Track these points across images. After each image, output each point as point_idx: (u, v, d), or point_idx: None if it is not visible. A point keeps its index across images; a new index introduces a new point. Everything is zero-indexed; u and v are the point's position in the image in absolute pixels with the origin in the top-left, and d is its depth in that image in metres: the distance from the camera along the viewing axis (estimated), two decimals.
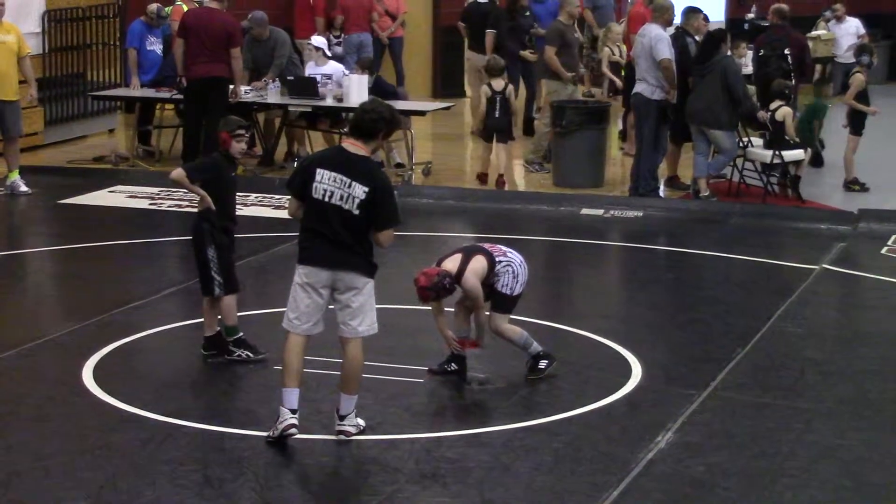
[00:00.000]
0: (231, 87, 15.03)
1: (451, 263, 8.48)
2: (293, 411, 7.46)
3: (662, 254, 12.82)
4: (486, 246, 8.67)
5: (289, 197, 7.71)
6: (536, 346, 8.66)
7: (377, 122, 7.46)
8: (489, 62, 15.18)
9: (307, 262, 7.47)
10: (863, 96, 14.80)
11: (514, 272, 8.53)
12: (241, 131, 8.85)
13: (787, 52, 15.84)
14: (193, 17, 15.15)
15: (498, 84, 14.72)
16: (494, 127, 14.76)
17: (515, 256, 8.62)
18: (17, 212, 14.21)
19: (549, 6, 19.33)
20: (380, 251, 7.56)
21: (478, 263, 8.45)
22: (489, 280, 8.49)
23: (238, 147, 8.85)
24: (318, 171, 7.39)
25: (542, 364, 8.64)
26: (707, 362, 9.08)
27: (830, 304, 11.07)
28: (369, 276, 7.51)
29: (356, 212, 7.35)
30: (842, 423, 8.03)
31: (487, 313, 8.64)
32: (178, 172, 8.81)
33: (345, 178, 7.35)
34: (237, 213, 9.22)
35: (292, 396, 7.48)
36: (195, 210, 8.95)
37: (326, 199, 7.36)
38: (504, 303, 8.57)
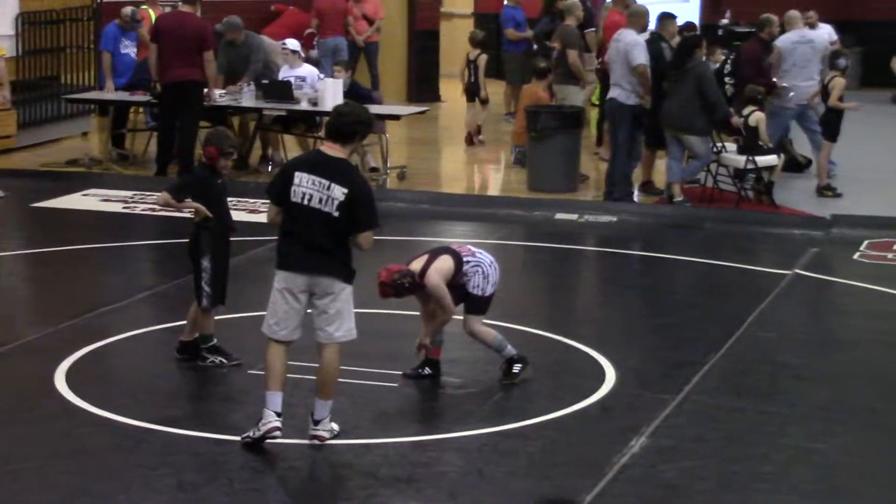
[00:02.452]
0: (205, 90, 15.01)
1: (417, 264, 8.49)
2: (278, 414, 7.44)
3: (636, 259, 12.85)
4: (455, 247, 8.68)
5: (267, 202, 7.69)
6: (511, 350, 8.67)
7: (355, 124, 7.47)
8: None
9: (285, 267, 7.47)
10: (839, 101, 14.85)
11: (483, 273, 8.52)
12: (232, 150, 8.84)
13: (729, 57, 15.97)
14: (166, 21, 15.16)
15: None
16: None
17: (485, 257, 8.61)
18: None
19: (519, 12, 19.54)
20: (357, 256, 7.55)
21: (443, 263, 8.45)
22: (458, 281, 8.48)
23: (225, 164, 8.82)
24: (297, 174, 7.39)
25: (516, 368, 8.64)
26: (681, 367, 9.10)
27: (803, 308, 11.11)
28: (347, 282, 7.50)
29: (336, 214, 7.34)
30: (815, 427, 8.06)
31: (458, 317, 8.63)
32: (163, 197, 8.78)
33: (323, 181, 7.35)
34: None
35: (277, 399, 7.46)
36: (194, 220, 8.86)
37: (305, 202, 7.35)
38: (477, 304, 8.57)
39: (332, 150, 7.47)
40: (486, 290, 8.55)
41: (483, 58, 18.35)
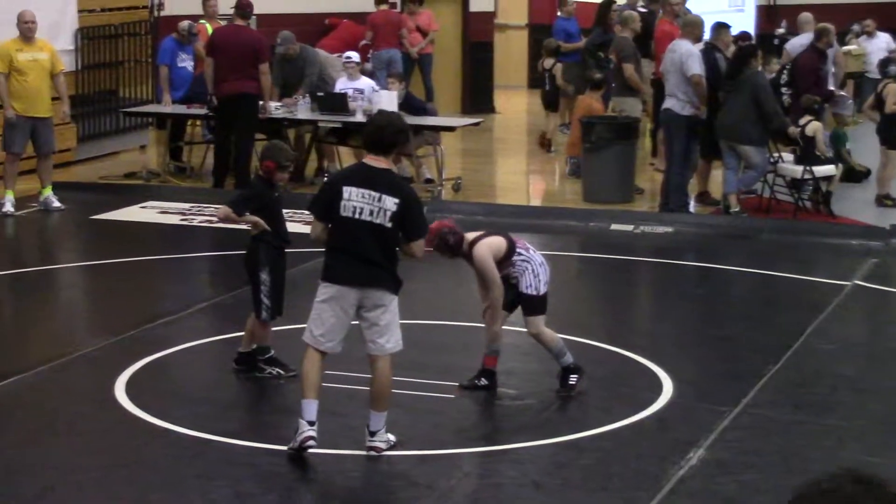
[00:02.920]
0: (261, 102, 15.12)
1: (472, 235, 8.48)
2: (311, 423, 7.42)
3: (692, 269, 12.80)
4: (513, 237, 8.64)
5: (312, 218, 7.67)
6: (569, 358, 8.64)
7: (396, 134, 7.47)
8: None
9: (335, 280, 7.45)
10: None
11: (533, 271, 8.47)
12: (289, 164, 8.91)
13: (786, 67, 15.90)
14: (221, 35, 15.31)
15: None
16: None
17: (535, 256, 8.56)
18: (50, 227, 14.30)
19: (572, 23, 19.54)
20: (408, 267, 7.57)
21: (496, 241, 8.42)
22: (506, 270, 8.42)
23: (281, 177, 8.90)
24: (345, 188, 7.38)
25: (573, 379, 8.62)
26: (738, 379, 9.04)
27: (862, 320, 11.02)
28: (395, 293, 7.51)
29: (388, 224, 7.35)
30: (874, 441, 7.98)
31: (518, 328, 8.62)
32: (223, 211, 8.84)
33: (373, 193, 7.35)
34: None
35: (311, 408, 7.44)
36: (250, 233, 8.92)
37: (357, 215, 7.35)
38: (533, 304, 8.52)
39: (376, 161, 7.47)
40: (540, 289, 8.49)
41: (559, 66, 18.64)
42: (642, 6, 18.38)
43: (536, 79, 25.50)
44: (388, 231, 7.37)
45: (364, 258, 7.38)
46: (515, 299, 8.56)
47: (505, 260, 8.45)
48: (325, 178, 7.39)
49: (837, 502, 2.68)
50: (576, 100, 17.22)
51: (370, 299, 7.43)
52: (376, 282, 7.42)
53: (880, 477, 2.74)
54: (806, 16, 17.15)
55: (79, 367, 9.23)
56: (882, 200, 14.74)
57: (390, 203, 7.34)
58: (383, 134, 7.44)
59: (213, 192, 15.05)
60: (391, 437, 7.61)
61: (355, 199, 7.35)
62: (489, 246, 8.40)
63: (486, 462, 7.59)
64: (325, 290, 7.49)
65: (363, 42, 19.96)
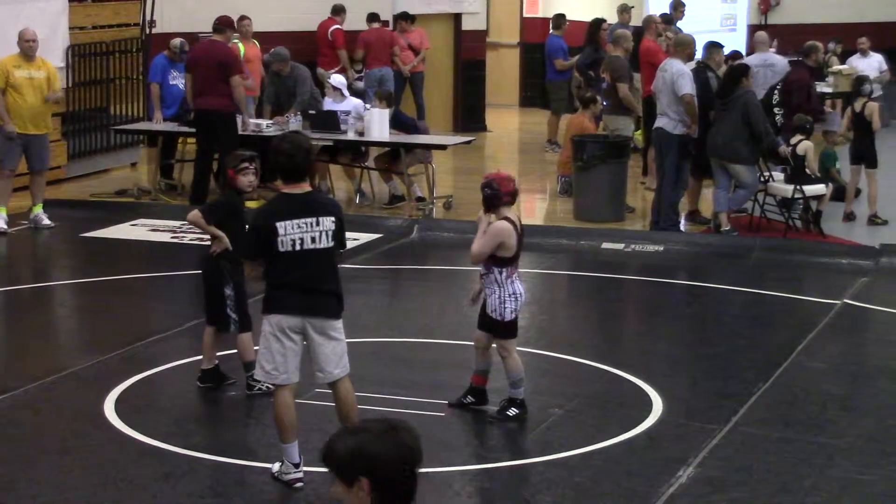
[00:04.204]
0: (239, 117, 15.15)
1: (513, 215, 8.36)
2: (296, 465, 7.36)
3: (683, 288, 12.81)
4: (517, 257, 8.50)
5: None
6: (520, 393, 8.50)
7: (307, 157, 7.32)
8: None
9: (276, 310, 7.28)
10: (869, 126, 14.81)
11: (499, 296, 8.33)
12: (245, 164, 8.70)
13: (777, 86, 15.94)
14: (197, 50, 15.39)
15: None
16: None
17: (510, 286, 8.36)
18: (40, 245, 14.29)
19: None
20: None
21: (511, 240, 8.27)
22: (487, 268, 8.39)
23: (245, 181, 8.71)
24: (278, 224, 7.17)
25: (512, 412, 8.48)
26: (728, 397, 9.05)
27: (852, 339, 11.03)
28: (338, 317, 7.38)
29: (331, 244, 7.28)
30: (864, 459, 7.99)
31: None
32: (194, 214, 8.84)
33: (309, 219, 7.22)
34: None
35: (293, 451, 7.35)
36: (210, 249, 8.92)
37: (297, 247, 7.20)
38: (497, 327, 8.41)
39: (297, 188, 7.29)
40: (505, 316, 8.37)
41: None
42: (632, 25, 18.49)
43: (528, 97, 25.64)
44: (330, 251, 7.30)
45: (307, 288, 7.25)
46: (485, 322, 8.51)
47: (499, 258, 8.35)
48: (253, 221, 7.24)
49: (360, 442, 3.40)
50: (564, 118, 17.24)
51: (314, 327, 7.31)
52: (318, 309, 7.30)
53: (403, 423, 3.49)
54: (761, 35, 17.21)
55: (69, 385, 9.21)
56: (871, 219, 14.78)
57: (328, 223, 7.25)
58: (296, 161, 7.26)
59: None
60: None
61: (292, 232, 7.19)
62: (506, 232, 8.28)
63: (477, 480, 7.58)
64: (267, 323, 7.34)
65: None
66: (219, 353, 9.09)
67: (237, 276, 8.72)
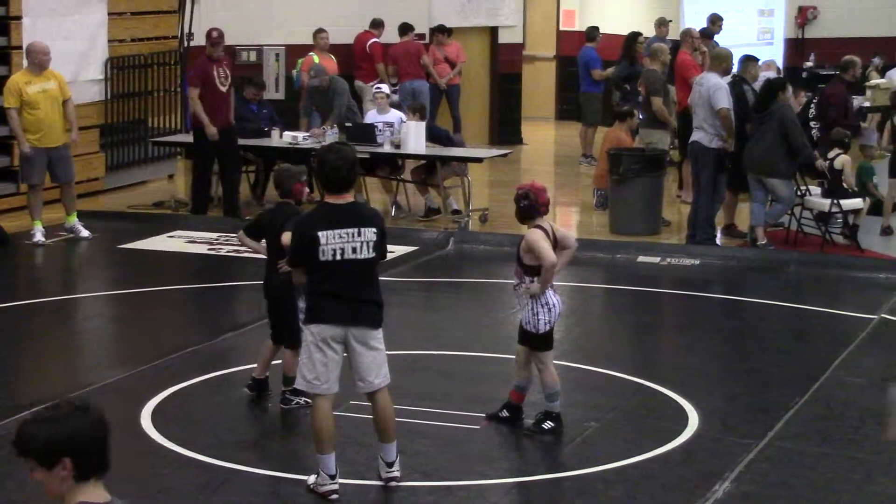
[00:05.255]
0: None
1: (544, 224, 8.35)
2: (332, 477, 7.37)
3: (719, 302, 12.77)
4: (555, 275, 8.47)
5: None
6: (557, 406, 8.48)
7: (352, 170, 7.36)
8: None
9: (319, 319, 7.34)
10: None
11: (532, 308, 8.31)
12: (305, 177, 9.09)
13: (813, 100, 15.88)
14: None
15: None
16: None
17: (542, 296, 8.42)
18: (77, 256, 14.37)
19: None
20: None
21: (546, 245, 8.20)
22: (520, 278, 8.40)
23: (305, 191, 9.06)
24: (321, 234, 7.23)
25: (548, 425, 8.46)
26: (765, 411, 9.01)
27: (889, 353, 10.96)
28: (379, 326, 7.42)
29: (372, 255, 7.33)
30: None
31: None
32: (240, 237, 8.96)
33: (350, 230, 7.26)
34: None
35: (330, 462, 7.36)
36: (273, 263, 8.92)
37: (338, 257, 7.24)
38: (531, 339, 8.39)
39: (341, 199, 7.34)
40: (539, 328, 8.34)
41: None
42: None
43: (564, 110, 25.64)
44: (371, 261, 7.34)
45: (349, 297, 7.29)
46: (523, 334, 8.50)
47: (529, 268, 8.33)
48: (295, 229, 7.28)
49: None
50: (597, 130, 17.22)
51: (354, 337, 7.34)
52: (361, 320, 7.34)
53: (82, 400, 3.92)
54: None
55: (105, 396, 9.24)
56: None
57: (370, 234, 7.30)
58: (341, 174, 7.31)
59: (242, 222, 15.08)
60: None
61: (333, 242, 7.24)
62: (542, 236, 8.24)
63: (513, 493, 7.58)
64: (310, 332, 7.40)
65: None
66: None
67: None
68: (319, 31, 18.10)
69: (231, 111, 15.38)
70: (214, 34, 15.40)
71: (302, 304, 8.67)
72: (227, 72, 15.33)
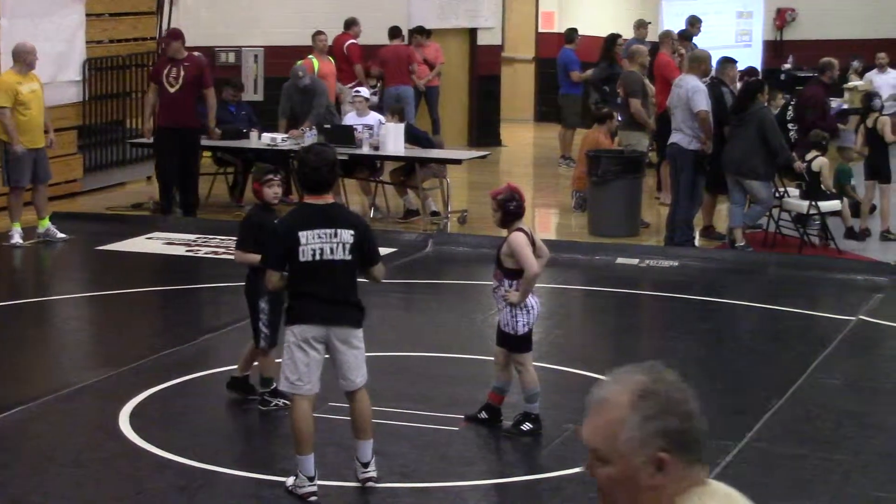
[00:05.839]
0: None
1: (525, 229, 8.39)
2: (311, 478, 7.38)
3: (698, 304, 12.79)
4: (539, 278, 8.52)
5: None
6: (535, 408, 8.49)
7: (332, 171, 7.41)
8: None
9: (300, 320, 7.37)
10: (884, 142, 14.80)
11: (510, 310, 8.34)
12: (270, 177, 8.83)
13: (791, 102, 15.93)
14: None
15: None
16: None
17: (529, 301, 8.45)
18: (55, 258, 14.32)
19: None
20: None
21: (528, 251, 8.26)
22: (501, 281, 8.40)
23: (271, 193, 8.82)
24: (301, 234, 7.28)
25: (526, 427, 8.47)
26: (743, 413, 9.04)
27: (868, 355, 11.01)
28: (360, 326, 7.47)
29: (349, 257, 7.34)
30: (880, 476, 7.97)
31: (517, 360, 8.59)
32: (238, 256, 8.88)
33: (328, 230, 7.30)
34: None
35: (309, 464, 7.37)
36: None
37: (317, 257, 7.28)
38: (510, 341, 8.41)
39: (320, 199, 7.40)
40: (518, 330, 8.36)
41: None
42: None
43: (543, 112, 25.65)
44: (350, 263, 7.36)
45: (329, 298, 7.33)
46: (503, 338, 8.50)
47: (508, 270, 8.34)
48: (276, 230, 7.24)
49: None
50: (576, 132, 17.23)
51: (336, 336, 7.37)
52: (342, 319, 7.38)
53: None
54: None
55: (83, 398, 9.23)
56: (885, 235, 14.75)
57: (347, 235, 7.33)
58: (321, 174, 7.36)
59: (221, 223, 15.07)
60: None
61: (313, 242, 7.28)
62: (525, 243, 8.27)
63: (491, 495, 7.58)
64: (291, 333, 7.41)
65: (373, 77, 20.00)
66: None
67: (273, 291, 8.68)
68: (318, 33, 17.98)
69: (185, 112, 15.19)
70: (168, 33, 15.45)
71: (263, 305, 8.68)
72: (182, 72, 15.23)
